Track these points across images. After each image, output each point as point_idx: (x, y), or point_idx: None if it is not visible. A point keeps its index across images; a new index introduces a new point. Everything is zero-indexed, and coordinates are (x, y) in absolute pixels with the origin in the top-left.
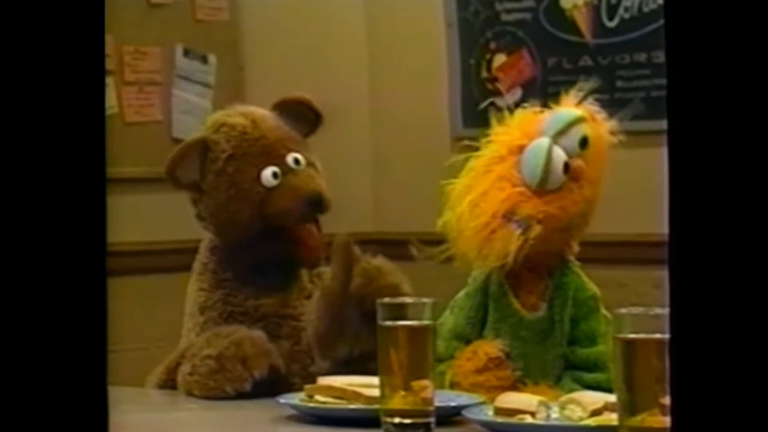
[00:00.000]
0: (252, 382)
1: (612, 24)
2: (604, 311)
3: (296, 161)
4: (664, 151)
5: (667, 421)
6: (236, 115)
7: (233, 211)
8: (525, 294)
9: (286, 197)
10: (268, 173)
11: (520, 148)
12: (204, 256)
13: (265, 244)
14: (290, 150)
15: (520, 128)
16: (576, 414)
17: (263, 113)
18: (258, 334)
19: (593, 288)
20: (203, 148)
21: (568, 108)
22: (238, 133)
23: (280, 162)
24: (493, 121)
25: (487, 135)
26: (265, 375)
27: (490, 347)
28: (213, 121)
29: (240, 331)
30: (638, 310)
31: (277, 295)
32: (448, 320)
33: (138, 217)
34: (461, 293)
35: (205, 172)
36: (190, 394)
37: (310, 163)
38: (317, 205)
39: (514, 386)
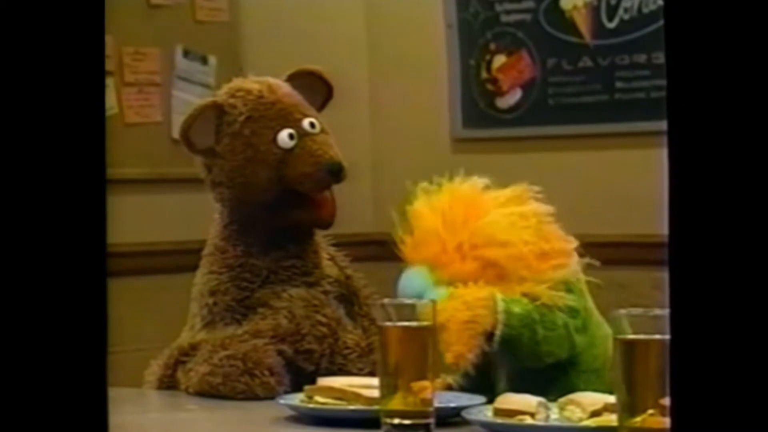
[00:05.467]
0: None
1: (612, 25)
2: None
3: (312, 125)
4: (664, 152)
5: (667, 422)
6: (251, 81)
7: (249, 174)
8: None
9: (306, 162)
10: (284, 135)
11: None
12: (214, 237)
13: (280, 208)
14: (305, 115)
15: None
16: (575, 415)
17: (278, 81)
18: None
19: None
20: (219, 111)
21: None
22: (254, 97)
23: (296, 125)
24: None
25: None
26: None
27: None
28: (228, 87)
29: (253, 340)
30: (638, 311)
31: (293, 261)
32: None
33: (138, 218)
34: None
35: (221, 136)
36: (202, 393)
37: (323, 130)
38: (337, 174)
39: None
